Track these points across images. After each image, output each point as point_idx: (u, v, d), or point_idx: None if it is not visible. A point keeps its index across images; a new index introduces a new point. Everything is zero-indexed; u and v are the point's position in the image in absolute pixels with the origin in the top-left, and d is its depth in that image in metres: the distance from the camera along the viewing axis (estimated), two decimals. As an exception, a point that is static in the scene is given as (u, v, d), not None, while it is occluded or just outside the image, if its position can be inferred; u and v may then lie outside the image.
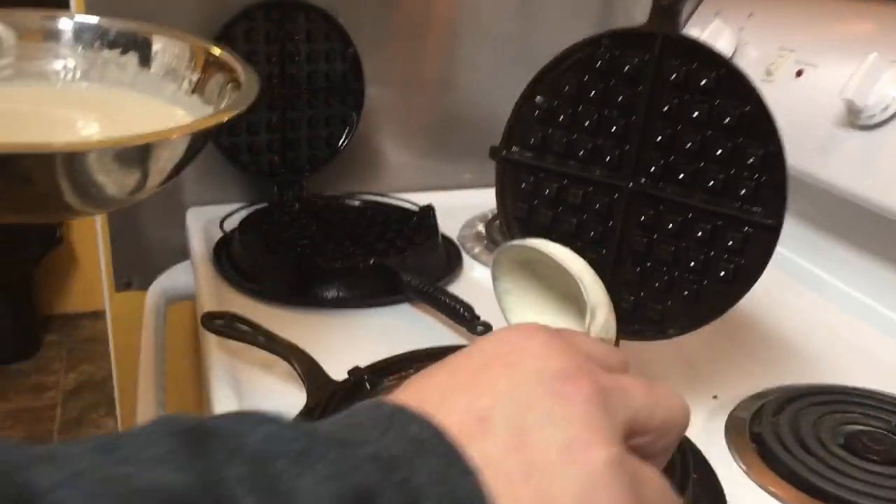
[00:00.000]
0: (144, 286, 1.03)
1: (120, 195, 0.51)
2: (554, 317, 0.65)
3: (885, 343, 0.82)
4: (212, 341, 0.75)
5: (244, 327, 0.70)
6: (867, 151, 0.81)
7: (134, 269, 1.06)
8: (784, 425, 0.65)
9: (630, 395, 0.30)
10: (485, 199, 0.95)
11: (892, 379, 0.74)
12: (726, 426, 0.66)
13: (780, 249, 0.59)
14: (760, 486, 0.60)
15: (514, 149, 0.69)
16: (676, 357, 0.78)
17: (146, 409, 0.75)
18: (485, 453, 0.26)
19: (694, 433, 0.63)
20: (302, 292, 0.84)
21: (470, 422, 0.27)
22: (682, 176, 0.62)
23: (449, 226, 1.01)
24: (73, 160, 0.45)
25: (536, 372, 0.29)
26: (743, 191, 0.59)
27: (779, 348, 0.82)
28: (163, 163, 0.51)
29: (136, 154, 0.49)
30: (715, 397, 0.71)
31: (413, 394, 0.28)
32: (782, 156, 0.58)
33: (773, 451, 0.62)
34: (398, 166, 1.17)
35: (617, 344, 0.62)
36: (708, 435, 0.65)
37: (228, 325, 0.70)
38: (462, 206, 1.08)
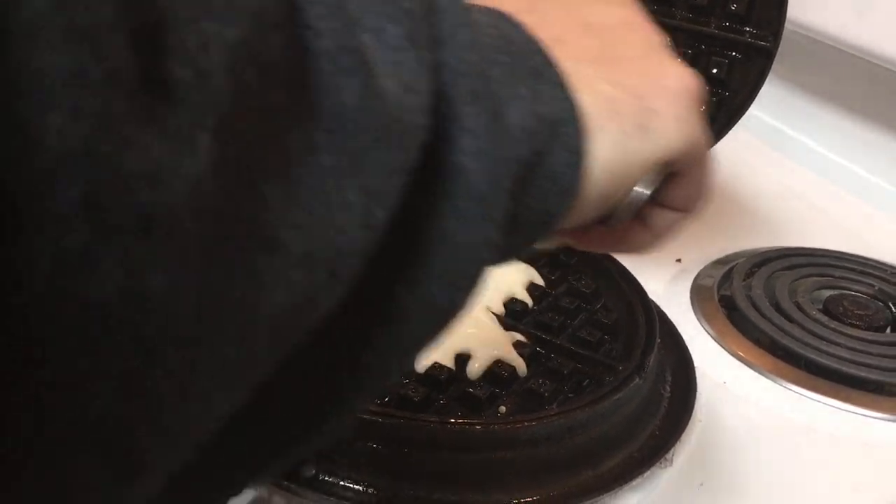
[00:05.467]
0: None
1: None
2: None
3: (860, 207, 0.74)
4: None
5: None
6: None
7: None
8: (756, 288, 0.57)
9: None
10: None
11: (869, 245, 0.67)
12: (692, 290, 0.59)
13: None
14: (730, 353, 0.53)
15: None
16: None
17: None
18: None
19: (657, 297, 0.55)
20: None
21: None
22: (660, -11, 0.52)
23: None
24: None
25: None
26: (734, 6, 0.49)
27: (743, 212, 0.74)
28: None
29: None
30: (678, 261, 0.64)
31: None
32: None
33: (746, 315, 0.54)
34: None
35: None
36: (672, 299, 0.58)
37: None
38: None
